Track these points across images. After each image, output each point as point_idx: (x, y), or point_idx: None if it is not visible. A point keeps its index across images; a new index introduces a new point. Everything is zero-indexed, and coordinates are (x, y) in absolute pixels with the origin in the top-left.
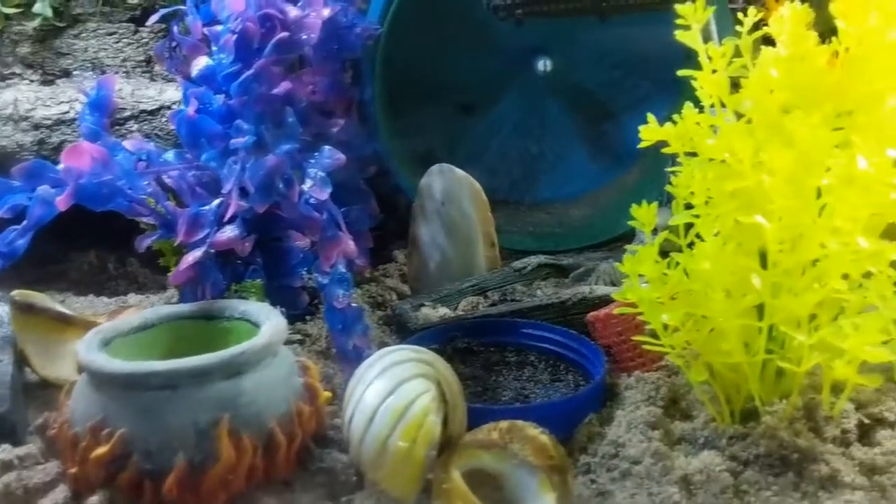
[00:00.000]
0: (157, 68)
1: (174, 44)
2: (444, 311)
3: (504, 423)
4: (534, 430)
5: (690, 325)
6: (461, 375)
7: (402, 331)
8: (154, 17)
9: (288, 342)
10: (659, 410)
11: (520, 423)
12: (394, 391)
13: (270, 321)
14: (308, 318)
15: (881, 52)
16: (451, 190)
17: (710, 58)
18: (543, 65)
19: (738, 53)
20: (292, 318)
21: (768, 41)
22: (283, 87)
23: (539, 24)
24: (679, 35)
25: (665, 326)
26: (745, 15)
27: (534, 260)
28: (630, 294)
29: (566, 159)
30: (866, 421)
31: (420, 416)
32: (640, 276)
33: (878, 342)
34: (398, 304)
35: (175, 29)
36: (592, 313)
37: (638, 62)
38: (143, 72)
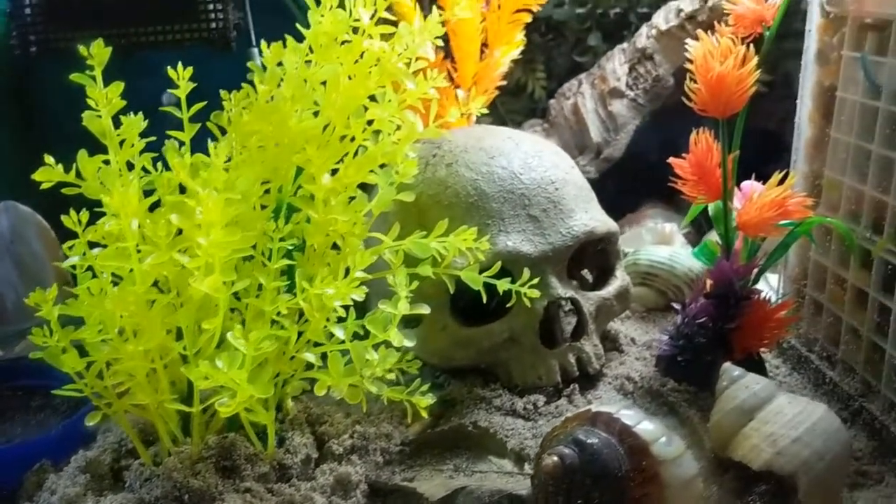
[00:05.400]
0: None
1: None
2: None
3: None
4: None
5: (95, 368)
6: None
7: None
8: None
9: None
10: (92, 454)
11: None
12: None
13: None
14: None
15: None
16: (18, 228)
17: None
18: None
19: None
20: None
21: None
22: None
23: None
24: (74, 77)
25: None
26: None
27: None
28: (35, 339)
29: None
30: (315, 455)
31: None
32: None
33: (243, 377)
34: None
35: None
36: None
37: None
38: None
